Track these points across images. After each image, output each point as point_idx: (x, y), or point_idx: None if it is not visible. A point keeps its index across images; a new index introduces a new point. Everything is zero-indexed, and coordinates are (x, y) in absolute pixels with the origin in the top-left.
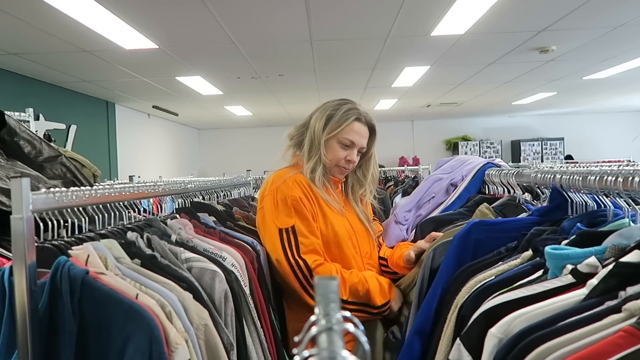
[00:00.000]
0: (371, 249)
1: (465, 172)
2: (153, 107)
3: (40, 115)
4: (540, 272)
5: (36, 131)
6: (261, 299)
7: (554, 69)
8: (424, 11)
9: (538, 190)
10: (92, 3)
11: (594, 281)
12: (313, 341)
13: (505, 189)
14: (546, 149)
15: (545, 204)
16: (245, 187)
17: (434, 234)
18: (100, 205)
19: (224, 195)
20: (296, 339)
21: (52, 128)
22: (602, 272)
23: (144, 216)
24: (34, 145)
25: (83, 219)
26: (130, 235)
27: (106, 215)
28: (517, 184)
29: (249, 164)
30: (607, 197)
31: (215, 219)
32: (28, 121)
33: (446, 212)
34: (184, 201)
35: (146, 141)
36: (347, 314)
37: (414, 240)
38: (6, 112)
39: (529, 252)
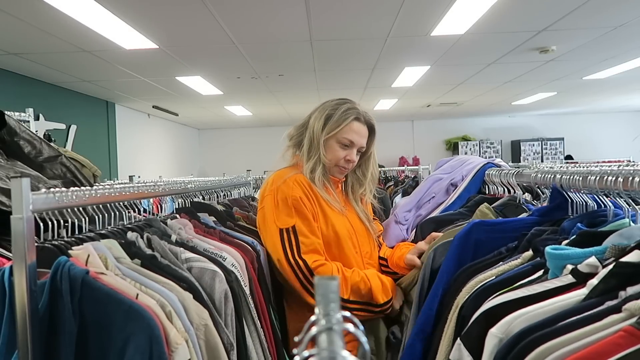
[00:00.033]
0: (371, 249)
1: (465, 172)
2: (153, 107)
3: (40, 115)
4: (540, 272)
5: (36, 131)
6: (261, 299)
7: (554, 69)
8: (424, 11)
9: (538, 190)
10: (92, 3)
11: (594, 281)
12: (313, 341)
13: (506, 189)
14: (546, 149)
15: (545, 204)
16: (245, 187)
17: (434, 234)
18: (100, 205)
19: (224, 195)
20: (296, 339)
21: (52, 128)
22: (603, 272)
23: (144, 216)
24: (34, 145)
25: (83, 219)
26: (131, 235)
27: (106, 215)
28: (517, 184)
29: (249, 164)
30: (607, 197)
31: (215, 219)
32: (28, 121)
33: (446, 212)
34: (184, 201)
35: (146, 141)
36: (347, 314)
37: (414, 240)
38: (6, 112)
39: (530, 252)
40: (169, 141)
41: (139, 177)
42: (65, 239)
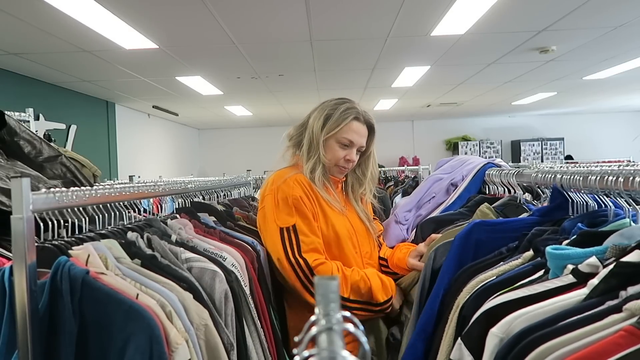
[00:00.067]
0: (371, 249)
1: (465, 172)
2: (153, 107)
3: (40, 115)
4: (541, 272)
5: (36, 131)
6: (261, 299)
7: (554, 69)
8: (424, 11)
9: (538, 190)
10: (92, 3)
11: (594, 281)
12: (313, 341)
13: (506, 189)
14: (546, 149)
15: (545, 204)
16: (245, 187)
17: (433, 236)
18: (101, 205)
19: (224, 195)
20: (296, 339)
21: (52, 128)
22: (603, 272)
23: (144, 216)
24: (34, 145)
25: (83, 219)
26: (131, 235)
27: (106, 215)
28: (518, 184)
29: (249, 164)
30: (607, 197)
31: (215, 219)
32: (28, 121)
33: (446, 212)
34: (184, 201)
35: (146, 141)
36: (347, 313)
37: (414, 240)
38: (6, 112)
39: (530, 252)
40: (169, 141)
41: (139, 177)
42: (66, 239)
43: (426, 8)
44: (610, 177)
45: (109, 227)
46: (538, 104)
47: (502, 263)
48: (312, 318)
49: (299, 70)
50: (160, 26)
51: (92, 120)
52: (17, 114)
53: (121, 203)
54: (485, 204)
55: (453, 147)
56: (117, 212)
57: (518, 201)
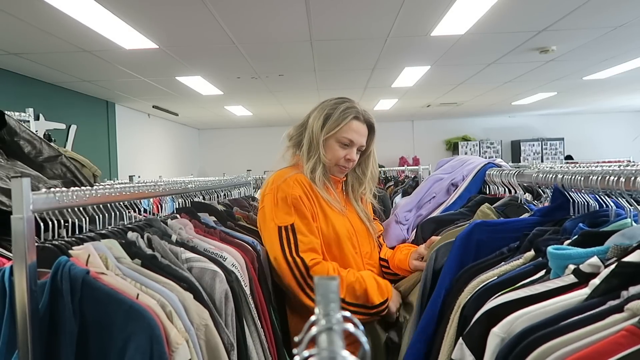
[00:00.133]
0: (371, 249)
1: (466, 172)
2: (153, 107)
3: (40, 115)
4: (542, 272)
5: (36, 131)
6: (261, 299)
7: (554, 69)
8: (424, 11)
9: (539, 190)
10: (92, 3)
11: (596, 281)
12: (314, 341)
13: (506, 189)
14: (546, 149)
15: (546, 204)
16: (245, 187)
17: (434, 238)
18: (101, 205)
19: (224, 195)
20: (296, 339)
21: (52, 128)
22: (605, 272)
23: (144, 216)
24: (34, 145)
25: (83, 219)
26: (131, 235)
27: (106, 215)
28: (518, 184)
29: (249, 164)
30: (608, 197)
31: (215, 219)
32: (28, 121)
33: (447, 212)
34: (184, 201)
35: (146, 141)
36: (347, 313)
37: (415, 240)
38: (6, 112)
39: (531, 253)
40: (169, 141)
41: (139, 177)
42: (66, 238)
43: (426, 8)
44: (612, 177)
45: (109, 227)
46: (538, 104)
47: (503, 263)
48: (312, 318)
49: (299, 70)
50: (160, 26)
51: (92, 120)
52: (17, 114)
53: (121, 203)
54: (486, 204)
55: (453, 147)
56: (117, 212)
57: (519, 201)
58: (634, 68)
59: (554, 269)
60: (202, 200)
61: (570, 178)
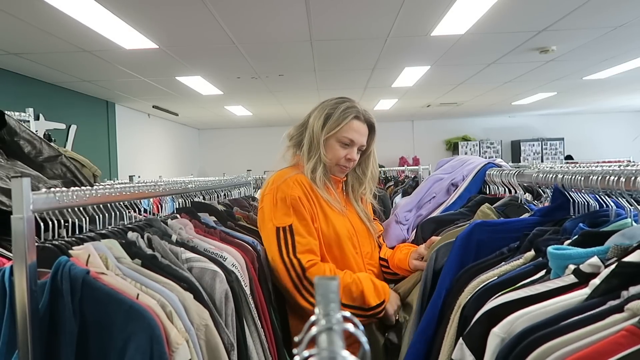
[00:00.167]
0: (372, 249)
1: (466, 172)
2: (153, 107)
3: (40, 115)
4: (542, 272)
5: (36, 131)
6: (262, 299)
7: (554, 69)
8: (424, 11)
9: (539, 190)
10: (92, 3)
11: (596, 281)
12: (314, 341)
13: (506, 189)
14: (546, 149)
15: (546, 204)
16: (245, 187)
17: (434, 238)
18: (101, 205)
19: (224, 195)
20: (296, 339)
21: (52, 128)
22: (605, 272)
23: (144, 216)
24: (34, 145)
25: (83, 219)
26: (131, 235)
27: (107, 215)
28: (519, 184)
29: (249, 164)
30: (609, 197)
31: (215, 219)
32: (28, 121)
33: (447, 212)
34: (185, 201)
35: (146, 141)
36: (347, 313)
37: (415, 240)
38: (6, 112)
39: (532, 253)
40: (169, 141)
41: (139, 177)
42: (66, 238)
43: (426, 8)
44: (612, 177)
45: (110, 227)
46: (538, 104)
47: (503, 263)
48: (312, 318)
49: (299, 70)
50: (160, 26)
51: (92, 120)
52: (17, 114)
53: (121, 203)
54: (486, 204)
55: (453, 147)
56: (118, 212)
57: (519, 201)
58: (634, 68)
59: (554, 269)
60: (202, 200)
61: (570, 178)
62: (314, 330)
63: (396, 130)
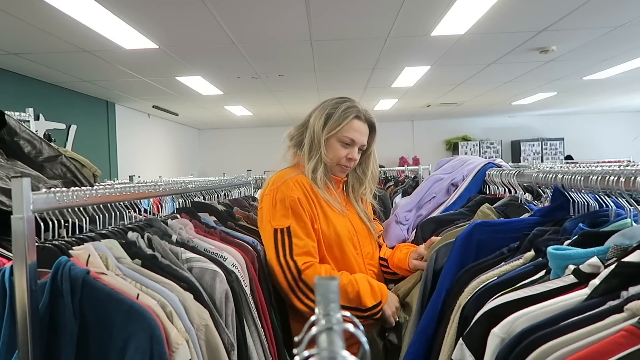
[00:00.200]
0: (373, 250)
1: (466, 172)
2: (153, 107)
3: (40, 115)
4: (542, 273)
5: (36, 131)
6: (262, 299)
7: (554, 69)
8: (424, 11)
9: (539, 190)
10: (92, 3)
11: (596, 281)
12: (314, 341)
13: (506, 189)
14: (546, 149)
15: (546, 204)
16: (245, 187)
17: (434, 238)
18: (101, 205)
19: (225, 195)
20: (296, 339)
21: (52, 128)
22: (604, 272)
23: (144, 216)
24: (34, 145)
25: (83, 219)
26: (131, 235)
27: (107, 215)
28: (518, 184)
29: (249, 164)
30: (608, 197)
31: (215, 219)
32: (28, 121)
33: (447, 212)
34: (185, 201)
35: (146, 141)
36: (347, 313)
37: (415, 240)
38: (6, 112)
39: (532, 253)
40: (169, 141)
41: (139, 177)
42: (66, 238)
43: (426, 8)
44: (612, 177)
45: (110, 227)
46: (538, 104)
47: (503, 263)
48: (312, 318)
49: (299, 70)
50: (160, 26)
51: (92, 120)
52: (17, 114)
53: (121, 203)
54: (486, 204)
55: (453, 147)
56: (118, 212)
57: (519, 201)
58: (634, 68)
59: (554, 269)
60: (202, 200)
61: (570, 178)
62: (314, 330)
63: (396, 130)
